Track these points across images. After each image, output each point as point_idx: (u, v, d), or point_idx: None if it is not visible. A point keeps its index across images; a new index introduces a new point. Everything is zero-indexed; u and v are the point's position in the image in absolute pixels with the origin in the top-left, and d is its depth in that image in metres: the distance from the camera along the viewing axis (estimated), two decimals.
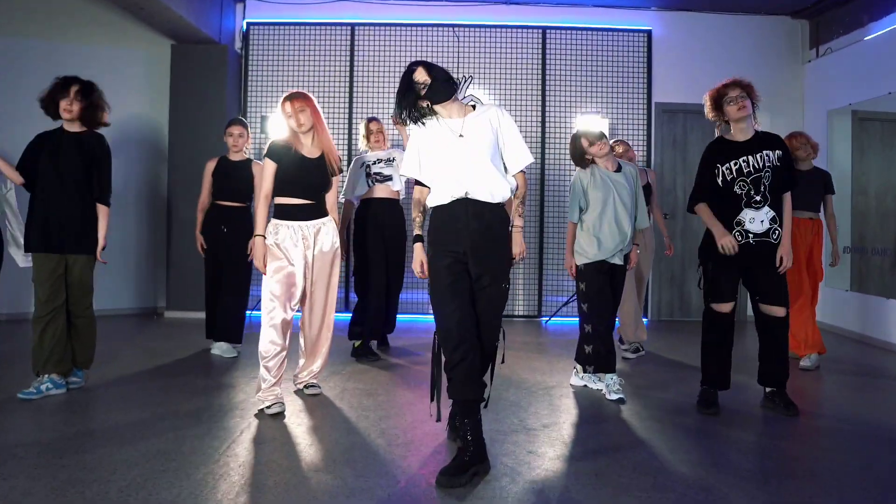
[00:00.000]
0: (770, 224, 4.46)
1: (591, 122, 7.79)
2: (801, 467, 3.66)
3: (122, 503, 2.98)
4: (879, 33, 7.47)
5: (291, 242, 4.48)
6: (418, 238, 3.65)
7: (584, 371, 5.11)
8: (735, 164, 4.48)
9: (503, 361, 3.71)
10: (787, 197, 4.57)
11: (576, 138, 5.05)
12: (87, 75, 4.86)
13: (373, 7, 8.70)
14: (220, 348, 6.08)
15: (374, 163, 6.08)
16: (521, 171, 3.70)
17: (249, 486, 3.20)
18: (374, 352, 6.12)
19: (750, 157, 4.46)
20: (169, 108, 8.40)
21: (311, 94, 4.65)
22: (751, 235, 4.47)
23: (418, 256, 3.62)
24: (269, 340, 4.40)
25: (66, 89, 4.68)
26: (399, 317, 6.67)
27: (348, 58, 8.75)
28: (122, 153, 7.93)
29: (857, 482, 3.41)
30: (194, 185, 6.61)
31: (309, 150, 4.60)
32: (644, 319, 6.81)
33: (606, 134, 5.39)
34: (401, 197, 6.21)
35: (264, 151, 4.63)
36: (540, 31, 8.78)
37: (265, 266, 4.42)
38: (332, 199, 4.78)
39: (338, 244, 4.68)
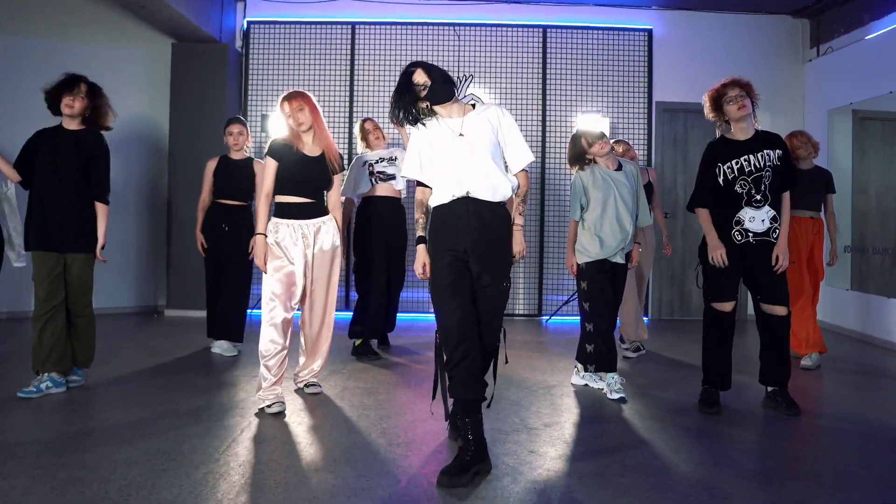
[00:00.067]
0: (770, 223, 4.46)
1: (591, 121, 7.79)
2: (802, 467, 3.65)
3: (122, 502, 2.97)
4: (880, 32, 7.46)
5: (291, 241, 4.47)
6: (421, 239, 3.64)
7: (586, 370, 5.10)
8: (736, 164, 4.47)
9: (507, 362, 3.70)
10: (787, 196, 4.56)
11: (576, 138, 5.04)
12: (88, 74, 4.86)
13: (373, 6, 8.69)
14: (220, 347, 6.08)
15: (377, 161, 6.08)
16: (524, 170, 3.69)
17: (250, 486, 3.20)
18: (375, 351, 6.12)
19: (751, 157, 4.46)
20: (169, 106, 8.39)
21: (309, 93, 4.64)
22: (751, 234, 4.46)
23: (421, 258, 3.60)
24: (269, 339, 4.39)
25: (71, 86, 4.68)
26: (399, 315, 6.66)
27: (349, 57, 8.75)
28: (122, 152, 7.93)
29: (858, 482, 3.41)
30: (195, 183, 6.60)
31: (310, 148, 4.59)
32: (645, 318, 6.80)
33: (606, 133, 5.38)
34: (403, 196, 6.21)
35: (265, 150, 4.62)
36: (540, 30, 8.77)
37: (266, 265, 4.42)
38: (334, 197, 4.77)
39: (338, 243, 4.67)
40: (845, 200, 7.63)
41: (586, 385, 5.18)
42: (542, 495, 3.17)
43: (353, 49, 8.74)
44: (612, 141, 5.32)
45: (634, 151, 6.49)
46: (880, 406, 4.86)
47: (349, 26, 8.74)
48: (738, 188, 4.46)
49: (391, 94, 3.62)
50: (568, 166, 5.25)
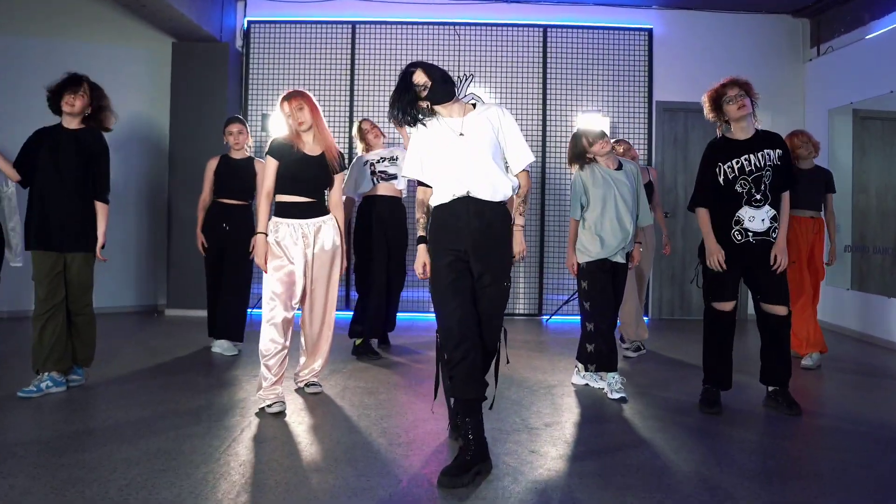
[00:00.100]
0: (770, 223, 4.46)
1: (592, 120, 7.79)
2: (803, 467, 3.65)
3: (122, 502, 2.97)
4: (881, 32, 7.45)
5: (291, 240, 4.47)
6: (422, 239, 3.64)
7: (586, 370, 5.10)
8: (737, 163, 4.47)
9: (507, 362, 3.69)
10: (786, 196, 4.56)
11: (576, 137, 5.04)
12: (88, 74, 4.85)
13: (374, 5, 8.69)
14: (220, 346, 6.08)
15: (379, 161, 6.08)
16: (526, 170, 3.69)
17: (250, 486, 3.19)
18: (375, 350, 6.12)
19: (751, 156, 4.46)
20: (170, 106, 8.39)
21: (308, 92, 4.63)
22: (750, 234, 4.46)
23: (421, 257, 3.60)
24: (269, 339, 4.39)
25: (73, 85, 4.68)
26: (400, 315, 6.67)
27: (349, 56, 8.75)
28: (122, 151, 7.93)
29: (859, 482, 3.40)
30: (195, 183, 6.59)
31: (310, 147, 4.58)
32: (645, 318, 6.79)
33: (607, 133, 5.37)
34: (403, 196, 6.21)
35: (266, 149, 4.62)
36: (541, 29, 8.77)
37: (266, 264, 4.41)
38: (336, 195, 4.76)
39: (339, 243, 4.66)
40: (846, 200, 7.63)
41: (587, 385, 5.17)
42: (543, 495, 3.17)
43: (353, 49, 8.74)
44: (612, 141, 5.32)
45: (635, 151, 6.49)
46: (881, 406, 4.86)
47: (349, 26, 8.74)
48: (738, 187, 4.46)
49: (391, 93, 3.62)
50: (568, 165, 5.24)
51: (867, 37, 7.70)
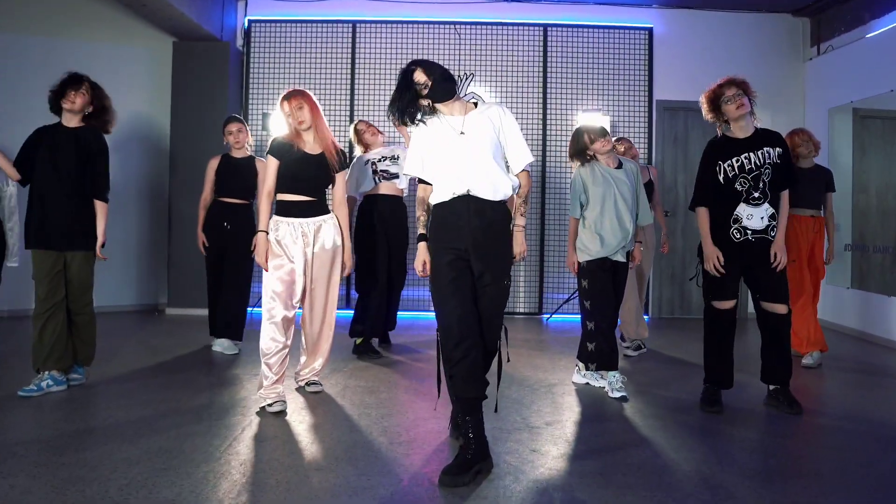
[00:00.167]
0: (769, 221, 4.46)
1: (592, 119, 7.78)
2: (805, 466, 3.65)
3: (122, 502, 2.97)
4: (881, 31, 7.45)
5: (291, 239, 4.47)
6: (422, 237, 3.65)
7: (587, 368, 5.10)
8: (737, 161, 4.47)
9: (508, 360, 3.69)
10: (785, 194, 4.56)
11: (578, 134, 5.04)
12: (89, 73, 4.85)
13: (374, 5, 8.69)
14: (221, 345, 6.08)
15: (380, 160, 6.08)
16: (526, 170, 3.69)
17: (251, 485, 3.19)
18: (376, 349, 6.12)
19: (751, 154, 4.46)
20: (170, 105, 8.39)
21: (308, 91, 4.63)
22: (749, 232, 4.46)
23: (421, 255, 3.61)
24: (269, 338, 4.39)
25: (75, 83, 4.68)
26: (400, 314, 6.67)
27: (350, 55, 8.74)
28: (123, 150, 7.94)
29: (860, 481, 3.41)
30: (196, 182, 6.59)
31: (310, 146, 4.58)
32: (645, 317, 6.79)
33: (608, 130, 5.37)
34: (405, 194, 6.21)
35: (267, 149, 4.62)
36: (541, 28, 8.76)
37: (267, 262, 4.41)
38: (339, 194, 4.76)
39: (339, 242, 4.66)
40: (846, 199, 7.63)
41: (587, 383, 5.17)
42: (544, 494, 3.17)
43: (353, 48, 8.74)
44: (614, 139, 5.32)
45: (636, 150, 6.49)
46: (881, 404, 4.86)
47: (350, 25, 8.74)
48: (738, 186, 4.46)
49: (391, 102, 3.61)
50: (568, 163, 5.25)
51: (867, 36, 7.70)
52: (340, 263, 4.70)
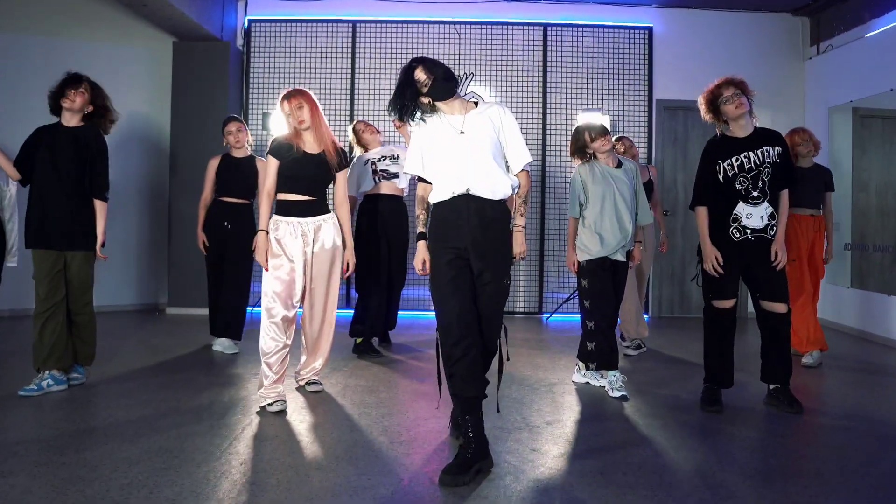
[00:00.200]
0: (768, 220, 4.46)
1: (593, 118, 7.79)
2: (805, 465, 3.65)
3: (123, 501, 2.97)
4: (881, 30, 7.45)
5: (290, 238, 4.47)
6: (422, 236, 3.66)
7: (587, 368, 5.10)
8: (736, 160, 4.47)
9: (508, 359, 3.69)
10: (785, 193, 4.56)
11: (579, 131, 5.04)
12: (89, 72, 4.86)
13: (374, 4, 8.69)
14: (221, 345, 6.08)
15: (380, 160, 6.08)
16: (526, 170, 3.69)
17: (251, 484, 3.19)
18: (376, 349, 6.12)
19: (751, 153, 4.46)
20: (171, 105, 8.40)
21: (308, 90, 4.63)
22: (748, 231, 4.46)
23: (420, 254, 3.62)
24: (269, 337, 4.39)
25: (74, 82, 4.69)
26: (400, 313, 6.67)
27: (350, 55, 8.75)
28: (123, 150, 7.94)
29: (860, 480, 3.40)
30: (196, 181, 6.60)
31: (310, 146, 4.58)
32: (645, 316, 6.80)
33: (609, 129, 5.37)
34: (405, 194, 6.21)
35: (267, 149, 4.62)
36: (541, 28, 8.77)
37: (267, 261, 4.42)
38: (340, 193, 4.76)
39: (339, 242, 4.66)
40: (845, 198, 7.63)
41: (587, 383, 5.18)
42: (545, 494, 3.17)
43: (353, 47, 8.74)
44: (614, 138, 5.32)
45: (636, 149, 6.49)
46: (881, 403, 4.86)
47: (350, 25, 8.74)
48: (737, 185, 4.46)
49: (391, 98, 3.62)
50: (569, 162, 5.26)
51: (867, 35, 7.70)
52: (340, 263, 4.70)
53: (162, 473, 3.28)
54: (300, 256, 4.48)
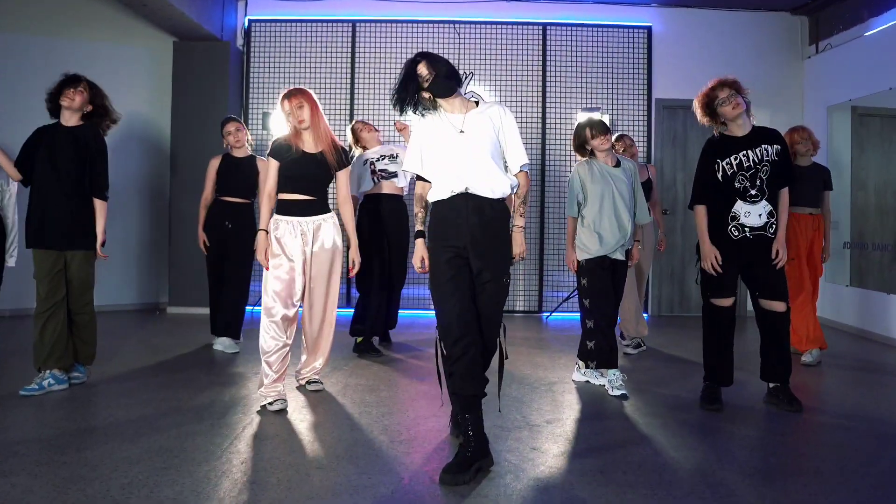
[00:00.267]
0: (767, 218, 4.46)
1: (594, 117, 7.80)
2: (805, 463, 3.66)
3: (123, 501, 2.97)
4: (880, 29, 7.46)
5: (290, 238, 4.48)
6: (420, 234, 3.67)
7: (587, 367, 5.10)
8: (735, 159, 4.48)
9: (507, 357, 3.70)
10: (785, 191, 4.57)
11: (580, 127, 5.05)
12: (89, 72, 4.87)
13: (374, 4, 8.69)
14: (222, 344, 6.09)
15: (378, 159, 6.09)
16: (524, 170, 3.70)
17: (252, 483, 3.20)
18: (376, 348, 6.13)
19: (749, 152, 4.47)
20: (171, 105, 8.40)
21: (309, 90, 4.63)
22: (747, 229, 4.47)
23: (419, 252, 3.63)
24: (269, 336, 4.40)
25: (73, 81, 4.69)
26: (401, 313, 6.68)
27: (350, 55, 8.75)
28: (124, 150, 7.95)
29: (860, 479, 3.41)
30: (196, 181, 6.60)
31: (310, 145, 4.58)
32: (645, 315, 6.80)
33: (610, 129, 5.38)
34: (404, 193, 6.21)
35: (267, 149, 4.62)
36: (540, 27, 8.77)
37: (267, 261, 4.42)
38: (342, 192, 4.77)
39: (339, 242, 4.66)
40: (844, 197, 7.64)
41: (587, 382, 5.18)
42: (545, 492, 3.18)
43: (353, 47, 8.75)
44: (615, 136, 5.32)
45: (636, 148, 6.49)
46: (881, 402, 4.87)
47: (350, 24, 8.74)
48: (736, 184, 4.47)
49: (393, 90, 3.63)
50: (568, 161, 5.27)
51: (866, 34, 7.70)
52: (340, 263, 4.71)
53: (163, 472, 3.28)
54: (299, 255, 4.49)
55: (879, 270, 7.41)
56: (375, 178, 6.05)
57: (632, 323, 6.25)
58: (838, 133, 8.00)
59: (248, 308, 6.40)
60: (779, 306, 4.54)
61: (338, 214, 4.79)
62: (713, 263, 4.48)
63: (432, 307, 3.63)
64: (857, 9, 7.93)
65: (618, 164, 5.05)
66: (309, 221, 4.54)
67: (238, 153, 6.12)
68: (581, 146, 5.05)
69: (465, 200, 3.50)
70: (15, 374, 4.97)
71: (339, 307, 4.90)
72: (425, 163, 3.65)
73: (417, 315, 8.33)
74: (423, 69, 3.54)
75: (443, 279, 3.48)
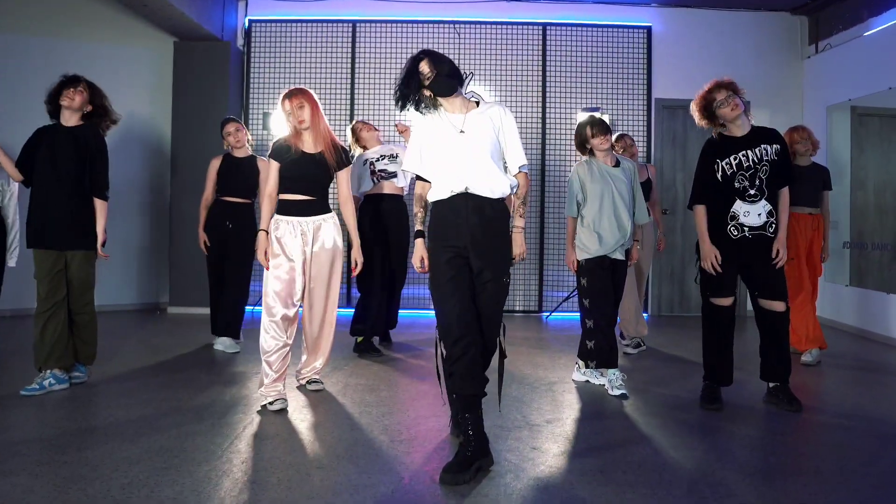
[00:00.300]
0: (767, 217, 4.47)
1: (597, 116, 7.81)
2: (805, 463, 3.66)
3: (124, 500, 2.98)
4: (879, 29, 7.47)
5: (290, 237, 4.48)
6: (420, 234, 3.67)
7: (587, 366, 5.11)
8: (735, 159, 4.48)
9: (505, 356, 3.70)
10: (785, 191, 4.57)
11: (582, 125, 5.06)
12: (90, 73, 4.88)
13: (374, 4, 8.70)
14: (222, 344, 6.09)
15: (378, 160, 6.10)
16: (524, 171, 3.70)
17: (252, 483, 3.20)
18: (377, 348, 6.14)
19: (749, 152, 4.47)
20: (171, 105, 8.41)
21: (310, 90, 4.64)
22: (746, 229, 4.47)
23: (419, 252, 3.63)
24: (270, 336, 4.41)
25: (73, 82, 4.70)
26: (401, 312, 6.69)
27: (350, 55, 8.75)
28: (124, 150, 7.95)
29: (860, 478, 3.41)
30: (197, 181, 6.61)
31: (310, 146, 4.59)
32: (644, 315, 6.81)
33: (611, 129, 5.39)
34: (405, 193, 6.22)
35: (268, 150, 4.63)
36: (540, 27, 8.77)
37: (267, 261, 4.43)
38: (343, 192, 4.77)
39: (339, 242, 4.66)
40: (844, 196, 7.64)
41: (587, 381, 5.19)
42: (545, 492, 3.18)
43: (353, 47, 8.75)
44: (616, 134, 5.33)
45: (636, 148, 6.50)
46: (881, 402, 4.87)
47: (350, 25, 8.75)
48: (736, 184, 4.47)
49: (395, 85, 3.64)
50: (569, 161, 5.27)
51: (865, 34, 7.71)
52: (341, 263, 4.72)
53: (163, 472, 3.29)
54: (299, 255, 4.49)
55: (879, 270, 7.41)
56: (375, 179, 6.06)
57: (632, 323, 6.25)
58: (838, 133, 8.01)
59: (249, 308, 6.40)
60: (778, 306, 4.54)
61: (339, 214, 4.80)
62: (713, 263, 4.48)
63: (432, 307, 3.63)
64: (857, 9, 7.94)
65: (617, 164, 5.06)
66: (309, 221, 4.54)
67: (239, 153, 6.12)
68: (582, 144, 5.07)
69: (465, 200, 3.51)
70: (16, 374, 4.98)
71: (339, 307, 4.90)
72: (425, 162, 3.66)
73: (417, 315, 8.33)
74: (425, 67, 3.55)
75: (443, 279, 3.49)
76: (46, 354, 4.63)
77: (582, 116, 8.09)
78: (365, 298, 6.09)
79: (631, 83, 8.79)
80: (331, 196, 4.79)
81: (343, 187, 4.76)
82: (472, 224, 3.49)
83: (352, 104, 8.72)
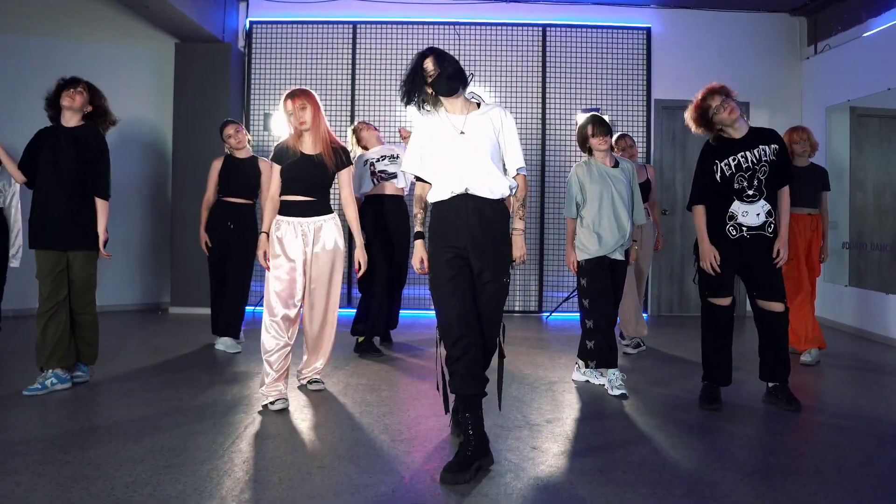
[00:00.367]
0: (766, 217, 4.48)
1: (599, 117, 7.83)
2: (804, 463, 3.67)
3: (126, 499, 2.99)
4: (878, 30, 7.48)
5: (291, 238, 4.49)
6: (419, 235, 3.68)
7: (587, 366, 5.12)
8: (734, 160, 4.49)
9: (504, 356, 3.71)
10: (785, 191, 4.59)
11: (583, 124, 5.08)
12: (90, 74, 4.90)
13: (374, 5, 8.71)
14: (224, 343, 6.11)
15: (378, 160, 6.11)
16: (523, 173, 3.72)
17: (254, 482, 3.22)
18: (377, 348, 6.15)
19: (748, 152, 4.49)
20: (173, 106, 8.43)
21: (311, 90, 4.65)
22: (745, 229, 4.49)
23: (419, 252, 3.65)
24: (270, 336, 4.42)
25: (72, 83, 4.71)
26: (402, 312, 6.70)
27: (350, 56, 8.77)
28: (125, 151, 7.96)
29: (859, 478, 3.42)
30: (198, 182, 6.63)
31: (310, 147, 4.60)
32: (644, 315, 6.82)
33: (611, 130, 5.40)
34: (405, 193, 6.23)
35: (271, 155, 4.64)
36: (540, 28, 8.79)
37: (268, 262, 4.44)
38: (345, 192, 4.77)
39: (340, 243, 4.68)
40: (843, 197, 7.66)
41: (587, 381, 5.20)
42: (545, 492, 3.19)
43: (354, 48, 8.76)
44: (617, 135, 5.34)
45: (636, 149, 6.51)
46: (880, 402, 4.88)
47: (351, 26, 8.76)
48: (735, 184, 4.49)
49: (393, 92, 3.66)
50: (569, 162, 5.29)
51: (864, 35, 7.72)
52: (342, 264, 4.73)
53: (165, 472, 3.30)
54: (300, 256, 4.50)
55: (878, 270, 7.43)
56: (375, 180, 6.07)
57: (631, 323, 6.26)
58: (837, 133, 8.02)
59: (249, 308, 6.41)
60: (776, 307, 4.55)
61: (341, 215, 4.81)
62: (712, 263, 4.50)
63: (432, 307, 3.64)
64: (856, 10, 7.95)
65: (616, 165, 5.07)
66: (310, 222, 4.55)
67: (240, 154, 6.14)
68: (583, 142, 5.09)
69: (466, 201, 3.52)
70: (17, 373, 5.00)
71: (340, 307, 4.91)
72: (425, 163, 3.67)
73: (418, 315, 8.35)
74: (429, 64, 3.56)
75: (443, 280, 3.50)
76: (48, 354, 4.64)
77: (582, 117, 8.09)
78: (366, 298, 6.11)
79: (630, 84, 8.81)
80: (332, 197, 4.79)
81: (345, 188, 4.77)
82: (472, 225, 3.51)
83: (352, 105, 8.73)
